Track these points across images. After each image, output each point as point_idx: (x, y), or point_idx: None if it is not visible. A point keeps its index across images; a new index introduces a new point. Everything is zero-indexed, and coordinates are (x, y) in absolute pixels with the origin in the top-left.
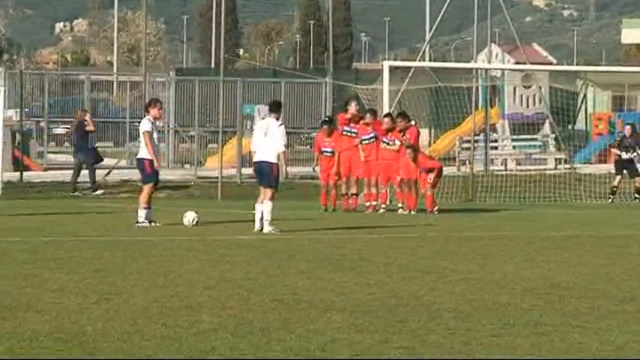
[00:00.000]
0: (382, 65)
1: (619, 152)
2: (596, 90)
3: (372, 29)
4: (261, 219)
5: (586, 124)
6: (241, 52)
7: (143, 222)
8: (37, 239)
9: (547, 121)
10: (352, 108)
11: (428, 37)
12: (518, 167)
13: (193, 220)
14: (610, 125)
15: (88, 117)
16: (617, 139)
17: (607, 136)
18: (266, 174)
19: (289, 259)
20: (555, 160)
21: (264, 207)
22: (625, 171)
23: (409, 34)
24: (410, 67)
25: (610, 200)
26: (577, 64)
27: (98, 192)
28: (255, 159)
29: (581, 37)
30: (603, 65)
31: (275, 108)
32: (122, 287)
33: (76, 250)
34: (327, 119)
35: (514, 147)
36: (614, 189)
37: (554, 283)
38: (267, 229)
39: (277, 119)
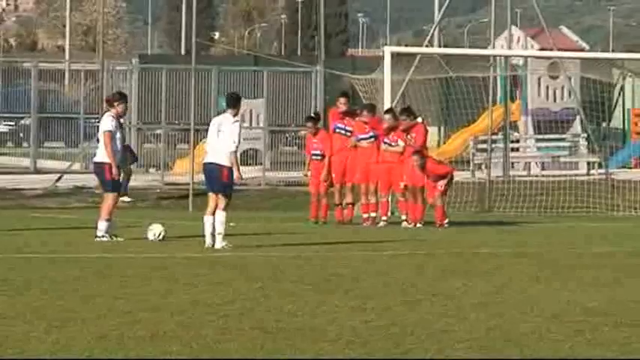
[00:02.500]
0: (383, 51)
1: None
2: (635, 81)
3: (371, 9)
4: (213, 233)
5: (624, 122)
6: (216, 35)
7: (103, 236)
8: None
9: (577, 117)
10: (341, 105)
11: (437, 18)
12: (544, 172)
13: (159, 234)
14: None
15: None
16: None
17: None
18: (215, 178)
19: (272, 280)
20: (587, 164)
21: (216, 218)
22: None
23: (415, 15)
24: (415, 54)
25: None
26: (613, 51)
27: (126, 199)
28: (205, 160)
29: (619, 19)
30: None
31: (232, 102)
32: (76, 312)
33: (20, 268)
34: (312, 116)
35: (538, 148)
36: None
37: (585, 308)
38: (219, 244)
39: (234, 115)
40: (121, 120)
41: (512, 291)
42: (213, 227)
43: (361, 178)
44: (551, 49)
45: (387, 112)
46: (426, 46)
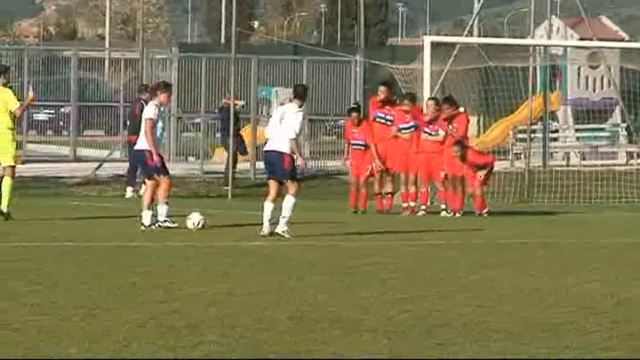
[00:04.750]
0: (422, 41)
1: None
2: None
3: None
4: (271, 220)
5: None
6: (256, 24)
7: (165, 220)
8: (6, 245)
9: (617, 107)
10: (381, 93)
11: (476, 7)
12: (583, 162)
13: (199, 222)
14: None
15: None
16: None
17: None
18: (277, 165)
19: (309, 270)
20: (627, 153)
21: (285, 203)
22: None
23: (454, 5)
24: (455, 44)
25: None
26: None
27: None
28: (266, 148)
29: None
30: None
31: (299, 94)
32: (112, 302)
33: (57, 258)
34: (354, 106)
35: (578, 138)
36: None
37: (620, 299)
38: (282, 228)
39: (300, 106)
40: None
41: (548, 282)
42: (271, 214)
43: (401, 167)
44: (590, 39)
45: (430, 100)
46: (466, 35)
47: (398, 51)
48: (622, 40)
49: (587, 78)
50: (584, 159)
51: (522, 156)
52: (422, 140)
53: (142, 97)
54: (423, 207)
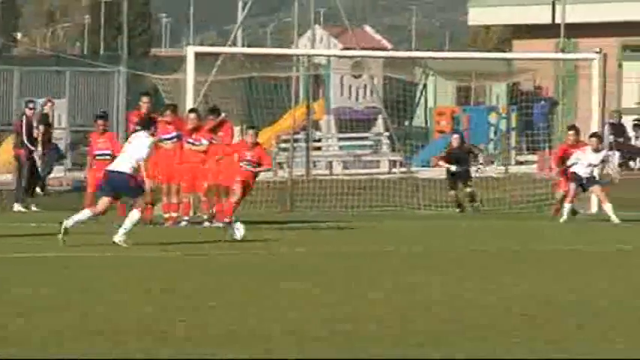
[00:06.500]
0: (186, 51)
1: (448, 165)
2: (438, 80)
3: (175, 9)
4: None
5: (426, 121)
6: (19, 36)
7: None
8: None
9: (380, 116)
10: (143, 104)
11: (240, 17)
12: (346, 171)
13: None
14: (454, 122)
15: None
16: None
17: (450, 134)
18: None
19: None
20: (389, 162)
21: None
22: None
23: (219, 15)
24: (219, 54)
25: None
26: (416, 49)
27: None
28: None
29: (422, 18)
30: (447, 51)
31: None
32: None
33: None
34: (101, 114)
35: (341, 147)
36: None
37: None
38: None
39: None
40: None
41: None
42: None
43: (164, 178)
44: (354, 48)
45: (190, 111)
46: (229, 45)
47: (162, 61)
48: (385, 49)
49: (350, 87)
50: (346, 168)
51: (285, 165)
52: (185, 150)
53: None
54: (186, 218)
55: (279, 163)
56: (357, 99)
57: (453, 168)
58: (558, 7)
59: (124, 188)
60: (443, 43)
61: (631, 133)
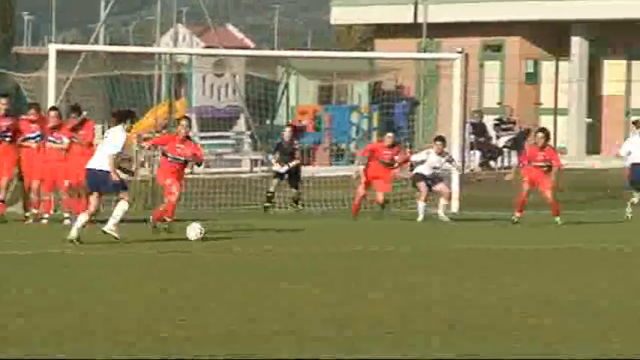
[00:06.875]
0: (48, 49)
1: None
2: (300, 79)
3: (38, 6)
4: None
5: (288, 119)
6: None
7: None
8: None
9: (242, 115)
10: (2, 105)
11: (103, 15)
12: (208, 170)
13: (200, 232)
14: (316, 120)
15: None
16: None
17: (312, 133)
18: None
19: None
20: (251, 161)
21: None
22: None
23: (82, 13)
24: (81, 52)
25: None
26: (279, 48)
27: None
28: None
29: (285, 17)
30: (309, 50)
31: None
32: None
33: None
34: None
35: (203, 146)
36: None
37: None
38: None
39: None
40: None
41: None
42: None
43: (27, 176)
44: (216, 47)
45: (51, 109)
46: (92, 44)
47: (24, 59)
48: (248, 48)
49: (212, 86)
50: (208, 167)
51: (147, 164)
52: (47, 149)
53: None
54: (46, 215)
55: (142, 162)
56: (219, 98)
57: (282, 169)
58: (420, 7)
59: (104, 185)
60: (306, 42)
61: (492, 132)
